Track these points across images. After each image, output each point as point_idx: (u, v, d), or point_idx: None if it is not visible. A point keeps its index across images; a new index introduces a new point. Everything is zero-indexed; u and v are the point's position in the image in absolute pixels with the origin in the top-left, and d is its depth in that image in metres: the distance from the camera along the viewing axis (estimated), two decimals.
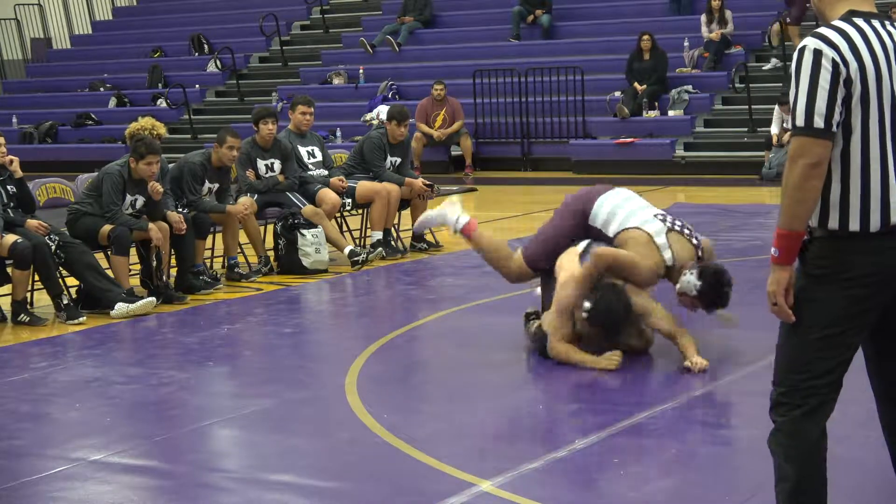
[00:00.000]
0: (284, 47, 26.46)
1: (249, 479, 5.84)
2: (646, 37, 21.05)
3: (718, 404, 6.89)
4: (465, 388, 7.45)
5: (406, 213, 12.99)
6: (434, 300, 10.48)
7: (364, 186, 12.53)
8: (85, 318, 9.80)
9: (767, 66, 21.31)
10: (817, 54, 4.01)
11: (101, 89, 26.93)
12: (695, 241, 7.80)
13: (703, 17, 21.98)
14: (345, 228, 12.91)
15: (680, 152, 20.59)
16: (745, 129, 20.36)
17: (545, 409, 7.07)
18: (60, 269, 10.00)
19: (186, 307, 10.30)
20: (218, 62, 26.37)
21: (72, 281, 10.20)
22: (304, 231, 11.65)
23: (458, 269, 11.84)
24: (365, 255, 11.98)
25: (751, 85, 20.41)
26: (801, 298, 4.12)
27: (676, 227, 7.78)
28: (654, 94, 21.05)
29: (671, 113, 21.02)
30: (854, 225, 4.06)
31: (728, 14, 21.82)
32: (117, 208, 10.25)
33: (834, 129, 4.01)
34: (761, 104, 19.99)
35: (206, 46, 27.21)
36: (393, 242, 12.73)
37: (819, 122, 4.00)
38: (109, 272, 10.24)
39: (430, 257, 12.62)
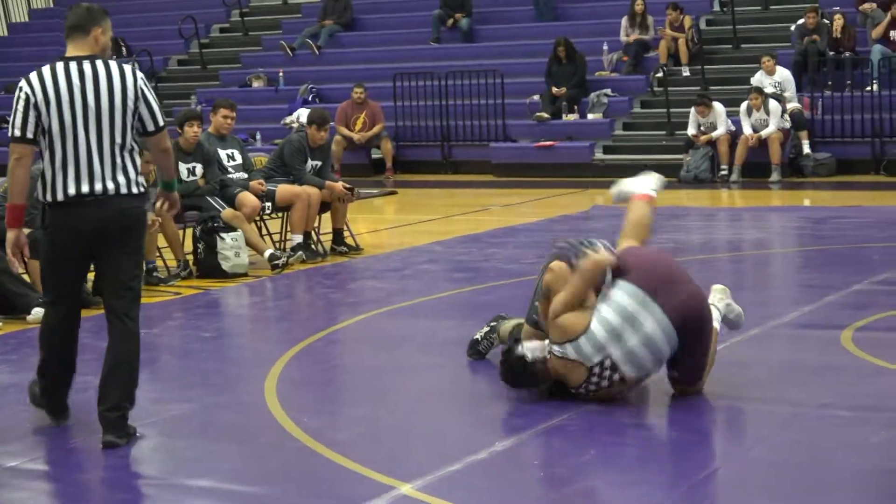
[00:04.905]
0: (203, 50, 26.30)
1: (169, 485, 5.80)
2: (560, 47, 21.17)
3: (637, 405, 6.93)
4: (385, 391, 7.45)
5: (326, 216, 12.96)
6: (354, 303, 10.47)
7: (284, 189, 12.50)
8: (0, 323, 9.69)
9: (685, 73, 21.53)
10: (20, 89, 6.40)
11: None
12: None
13: (625, 21, 22.14)
14: (265, 232, 12.86)
15: (599, 155, 20.71)
16: (664, 132, 20.52)
17: (465, 412, 7.07)
18: None
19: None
20: (136, 65, 26.10)
21: None
22: (223, 234, 11.58)
23: (378, 272, 11.84)
24: (285, 259, 11.94)
25: (669, 88, 20.59)
26: (42, 244, 6.60)
27: None
28: (574, 97, 21.17)
29: (590, 116, 21.15)
30: (51, 197, 6.33)
31: (650, 20, 22.00)
32: (36, 213, 10.11)
33: (29, 136, 6.31)
34: (679, 107, 20.16)
35: (123, 49, 26.92)
36: (313, 245, 12.70)
37: (17, 132, 6.33)
38: (26, 276, 10.13)
39: (351, 260, 12.60)
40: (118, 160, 6.34)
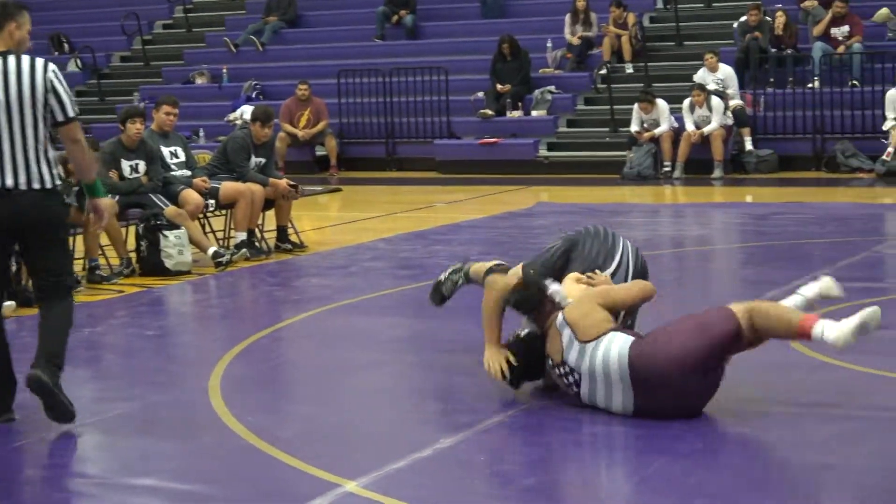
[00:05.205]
0: (146, 46, 26.16)
1: (112, 484, 5.76)
2: (505, 44, 21.22)
3: (585, 403, 6.94)
4: (329, 388, 7.44)
5: (270, 213, 12.92)
6: (298, 301, 10.45)
7: (228, 187, 12.44)
8: None
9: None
10: None
11: None
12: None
13: (568, 18, 22.21)
14: (208, 229, 12.81)
15: (543, 152, 20.77)
16: (607, 129, 20.62)
17: (410, 409, 7.08)
18: None
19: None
20: (78, 61, 25.97)
21: None
22: (166, 232, 11.53)
23: (322, 269, 11.82)
24: (229, 256, 11.90)
25: (612, 85, 20.67)
26: None
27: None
28: (518, 94, 21.22)
29: (534, 113, 21.21)
30: None
31: (593, 17, 22.08)
32: None
33: None
34: (623, 104, 20.25)
35: (66, 45, 26.76)
36: (257, 243, 12.65)
37: None
38: None
39: (295, 258, 12.57)
40: (31, 153, 6.50)
